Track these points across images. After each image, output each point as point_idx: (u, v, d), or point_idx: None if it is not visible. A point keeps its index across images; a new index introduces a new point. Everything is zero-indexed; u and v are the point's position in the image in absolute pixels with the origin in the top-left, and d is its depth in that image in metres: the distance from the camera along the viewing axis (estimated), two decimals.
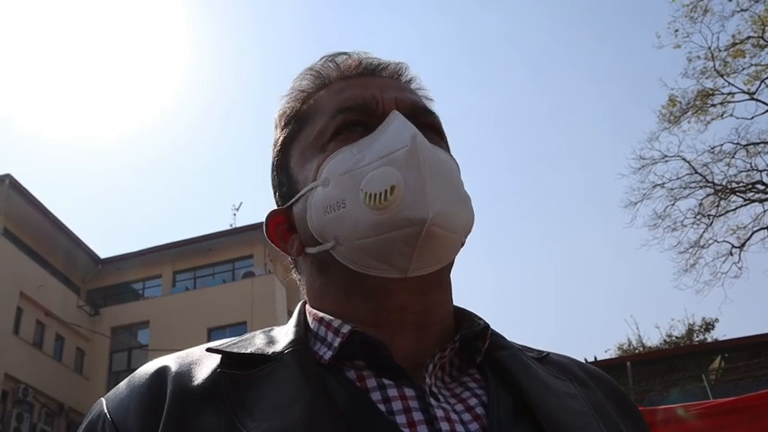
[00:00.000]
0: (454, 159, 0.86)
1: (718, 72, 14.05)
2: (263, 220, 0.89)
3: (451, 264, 0.82)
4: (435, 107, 0.92)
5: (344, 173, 0.78)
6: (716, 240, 14.71)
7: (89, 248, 22.90)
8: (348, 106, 0.84)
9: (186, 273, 23.28)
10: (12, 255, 18.41)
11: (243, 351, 0.77)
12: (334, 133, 0.83)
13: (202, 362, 0.76)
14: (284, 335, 0.81)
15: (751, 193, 14.53)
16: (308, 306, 0.86)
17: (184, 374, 0.74)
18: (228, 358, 0.76)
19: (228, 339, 0.83)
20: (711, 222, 14.66)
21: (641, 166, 15.01)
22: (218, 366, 0.74)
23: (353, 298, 0.79)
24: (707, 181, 14.64)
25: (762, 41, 13.61)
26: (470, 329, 0.79)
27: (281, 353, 0.76)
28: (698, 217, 14.75)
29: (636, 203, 15.17)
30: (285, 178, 0.89)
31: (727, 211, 14.65)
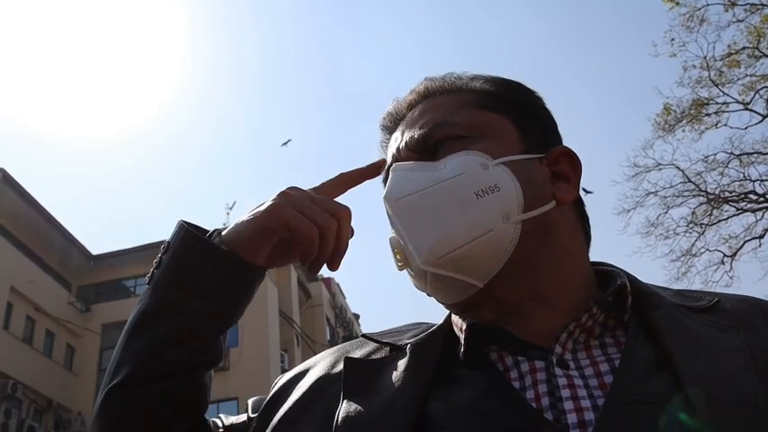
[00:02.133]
0: (481, 144, 0.85)
1: (713, 82, 14.09)
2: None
3: (533, 240, 0.81)
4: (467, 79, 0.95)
5: None
6: (708, 249, 14.74)
7: (81, 245, 22.81)
8: (383, 177, 0.94)
9: None
10: (3, 249, 18.30)
11: (381, 340, 0.89)
12: None
13: (353, 348, 0.90)
14: (425, 330, 0.89)
15: (743, 203, 14.56)
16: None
17: (333, 360, 0.88)
18: (375, 346, 0.89)
19: (389, 328, 0.95)
20: (704, 231, 14.69)
21: (635, 174, 15.00)
22: (359, 355, 0.87)
23: (464, 313, 0.85)
24: (700, 190, 14.67)
25: (757, 52, 13.65)
26: (608, 293, 0.80)
27: (407, 344, 0.85)
28: (690, 225, 14.77)
29: (629, 211, 15.15)
30: None
31: (720, 221, 14.68)
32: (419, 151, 0.87)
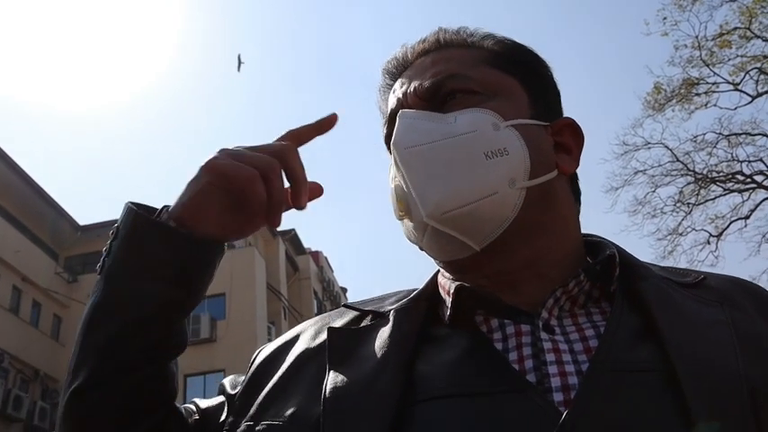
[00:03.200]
0: (493, 103, 0.84)
1: (704, 61, 14.08)
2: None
3: (534, 208, 0.81)
4: (480, 34, 0.93)
5: (390, 188, 0.87)
6: (694, 229, 14.84)
7: (69, 215, 22.69)
8: (385, 121, 0.93)
9: None
10: None
11: (364, 308, 0.89)
12: (387, 145, 0.91)
13: (334, 319, 0.89)
14: (408, 295, 0.88)
15: (730, 183, 14.64)
16: (439, 274, 0.90)
17: (315, 332, 0.87)
18: (357, 314, 0.88)
19: (370, 297, 0.94)
20: (690, 210, 14.78)
21: (624, 152, 15.04)
22: (341, 324, 0.87)
23: (456, 274, 0.85)
24: (688, 169, 14.73)
25: (749, 33, 13.64)
26: (596, 262, 0.80)
27: (390, 311, 0.84)
28: (677, 205, 14.85)
29: (617, 189, 15.21)
30: None
31: (707, 200, 14.77)
32: (427, 100, 0.86)
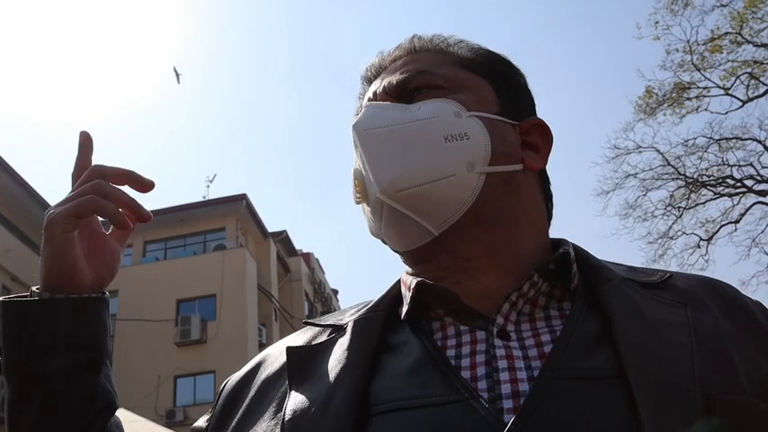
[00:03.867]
0: (458, 96, 0.86)
1: (695, 66, 14.14)
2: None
3: (494, 195, 0.81)
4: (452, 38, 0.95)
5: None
6: (685, 232, 14.90)
7: None
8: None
9: (157, 243, 23.08)
10: None
11: (323, 323, 0.88)
12: None
13: (297, 338, 0.88)
14: (367, 304, 0.88)
15: (721, 188, 14.70)
16: (403, 274, 0.90)
17: (277, 354, 0.86)
18: (318, 329, 0.87)
19: (336, 311, 0.93)
20: (681, 214, 14.83)
21: (615, 156, 15.09)
22: (300, 343, 0.85)
23: (417, 266, 0.86)
24: (679, 173, 14.79)
25: (739, 38, 13.71)
26: (549, 260, 0.79)
27: (348, 323, 0.84)
28: (668, 208, 14.90)
29: (608, 192, 15.26)
30: None
31: (697, 204, 14.82)
32: (396, 96, 0.88)
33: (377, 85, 0.92)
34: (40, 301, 0.81)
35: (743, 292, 0.84)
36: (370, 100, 0.92)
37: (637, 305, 0.75)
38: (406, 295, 0.83)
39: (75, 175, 0.87)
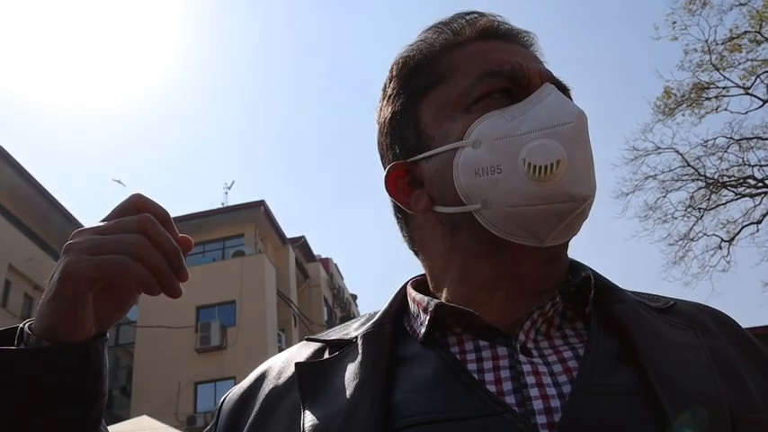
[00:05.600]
0: None
1: (714, 66, 14.05)
2: (386, 173, 0.87)
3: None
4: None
5: (501, 138, 0.78)
6: (705, 234, 14.79)
7: (79, 223, 22.75)
8: (496, 71, 0.82)
9: None
10: (1, 227, 18.29)
11: (328, 338, 0.86)
12: (481, 96, 0.81)
13: (301, 353, 0.86)
14: (371, 319, 0.86)
15: (742, 188, 14.58)
16: (408, 288, 0.88)
17: (280, 368, 0.84)
18: (322, 345, 0.85)
19: (332, 328, 0.91)
20: (702, 215, 14.72)
21: (634, 158, 15.03)
22: (305, 358, 0.83)
23: (482, 261, 0.80)
24: (699, 174, 14.68)
25: (759, 37, 13.60)
26: (571, 283, 0.79)
27: (356, 337, 0.82)
28: (688, 210, 14.80)
29: (627, 194, 15.19)
30: (412, 132, 0.86)
31: (718, 205, 14.71)
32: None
33: (519, 60, 0.83)
34: (25, 351, 0.70)
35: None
36: (520, 66, 0.82)
37: (653, 326, 0.76)
38: (419, 314, 0.82)
39: (138, 205, 0.73)
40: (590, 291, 0.80)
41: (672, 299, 0.86)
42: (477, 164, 0.78)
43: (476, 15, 0.89)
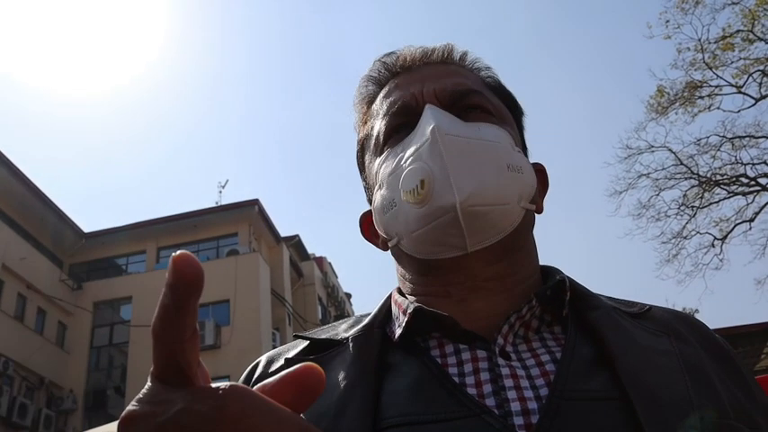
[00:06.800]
0: (506, 128, 0.89)
1: (707, 64, 14.10)
2: (360, 221, 0.99)
3: (523, 229, 0.85)
4: (493, 71, 0.98)
5: (391, 174, 0.86)
6: (698, 232, 14.84)
7: (73, 222, 22.73)
8: (392, 111, 0.91)
9: (170, 249, 23.11)
10: None
11: (318, 337, 0.88)
12: (386, 137, 0.90)
13: (289, 351, 0.88)
14: (362, 320, 0.89)
15: (735, 186, 14.64)
16: (393, 292, 0.92)
17: (272, 364, 0.87)
18: (310, 344, 0.87)
19: (321, 327, 0.93)
20: (695, 214, 14.78)
21: (627, 156, 15.09)
22: (294, 354, 0.85)
23: (426, 277, 0.86)
24: (692, 172, 14.73)
25: (751, 35, 13.66)
26: (546, 286, 0.82)
27: (347, 337, 0.84)
28: (682, 208, 14.85)
29: (621, 193, 15.25)
30: (364, 183, 1.00)
31: (711, 203, 14.77)
32: (447, 105, 0.88)
33: (418, 86, 0.90)
34: None
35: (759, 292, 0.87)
36: (413, 96, 0.89)
37: (627, 332, 0.78)
38: (400, 318, 0.84)
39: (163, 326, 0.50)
40: (566, 293, 0.82)
41: (647, 304, 0.88)
42: (382, 203, 0.88)
43: (391, 56, 0.98)
